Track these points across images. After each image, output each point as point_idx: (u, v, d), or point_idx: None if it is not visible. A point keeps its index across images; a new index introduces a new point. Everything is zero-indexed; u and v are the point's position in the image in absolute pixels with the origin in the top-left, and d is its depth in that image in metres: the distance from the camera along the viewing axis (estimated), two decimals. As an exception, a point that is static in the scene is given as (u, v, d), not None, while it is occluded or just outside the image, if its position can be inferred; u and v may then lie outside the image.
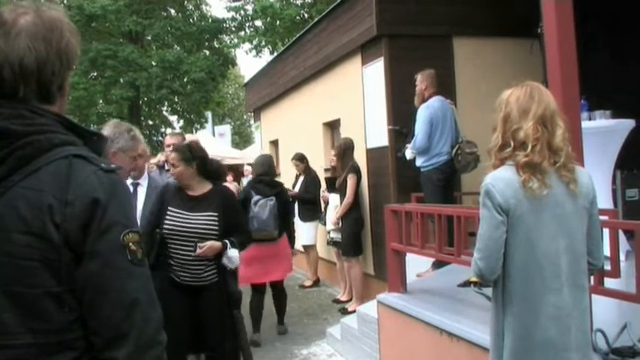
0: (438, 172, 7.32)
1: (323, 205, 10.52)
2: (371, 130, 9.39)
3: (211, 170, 5.27)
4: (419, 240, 5.63)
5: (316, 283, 11.53)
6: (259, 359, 6.99)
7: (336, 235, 9.51)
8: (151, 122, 35.81)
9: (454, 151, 7.33)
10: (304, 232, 10.99)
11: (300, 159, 10.93)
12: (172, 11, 32.69)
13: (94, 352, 1.56)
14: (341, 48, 10.28)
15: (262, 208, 7.68)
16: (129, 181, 4.96)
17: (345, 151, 9.09)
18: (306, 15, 26.25)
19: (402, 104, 8.30)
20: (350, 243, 9.11)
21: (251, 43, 28.25)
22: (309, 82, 12.31)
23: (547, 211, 2.83)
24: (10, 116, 1.58)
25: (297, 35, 13.63)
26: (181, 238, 4.98)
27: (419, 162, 7.46)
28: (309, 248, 11.33)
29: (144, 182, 5.22)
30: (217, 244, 4.97)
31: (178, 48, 31.72)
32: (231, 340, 5.10)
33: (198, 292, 5.04)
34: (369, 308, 6.69)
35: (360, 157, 9.33)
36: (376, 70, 9.08)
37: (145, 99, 32.49)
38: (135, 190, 5.14)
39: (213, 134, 24.87)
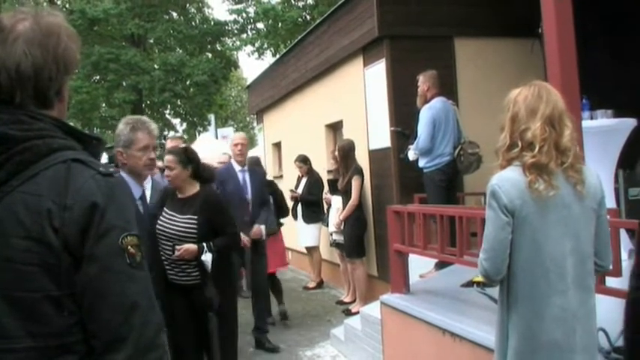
0: (440, 172, 7.33)
1: (326, 207, 10.53)
2: (373, 131, 9.40)
3: (203, 173, 5.36)
4: (421, 241, 5.64)
5: (320, 284, 11.53)
6: (263, 361, 7.02)
7: (338, 237, 9.52)
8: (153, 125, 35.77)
9: (456, 151, 7.34)
10: (307, 233, 11.00)
11: (303, 161, 10.94)
12: (174, 14, 32.67)
13: (94, 356, 1.57)
14: (342, 50, 10.29)
15: None
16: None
17: (347, 152, 9.09)
18: (307, 17, 26.26)
19: (404, 105, 8.31)
20: (353, 244, 9.11)
21: (253, 45, 28.26)
22: (311, 84, 12.33)
23: (553, 212, 2.82)
24: (9, 121, 1.59)
25: (299, 37, 13.64)
26: (164, 239, 5.12)
27: (421, 163, 7.47)
28: (312, 250, 11.33)
29: (147, 185, 5.22)
30: (193, 247, 5.06)
31: (181, 51, 31.69)
32: (206, 341, 5.18)
33: (190, 291, 5.14)
34: (373, 309, 6.69)
35: (362, 159, 9.34)
36: (378, 71, 9.09)
37: (148, 102, 32.46)
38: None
39: (216, 137, 24.87)
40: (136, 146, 4.06)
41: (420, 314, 5.44)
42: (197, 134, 31.32)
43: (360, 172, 9.00)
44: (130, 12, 28.98)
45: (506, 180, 2.87)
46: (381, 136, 9.05)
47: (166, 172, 5.24)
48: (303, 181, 10.97)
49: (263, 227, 7.70)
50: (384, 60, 8.90)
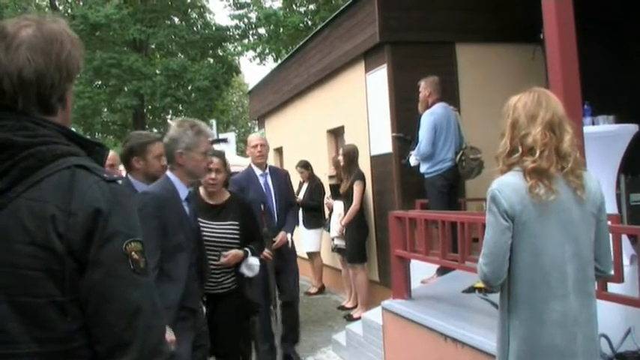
0: (442, 178, 7.32)
1: (327, 212, 10.52)
2: (375, 136, 9.41)
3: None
4: (423, 246, 5.63)
5: (321, 290, 11.53)
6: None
7: (340, 243, 9.51)
8: (155, 130, 35.84)
9: (458, 157, 7.34)
10: (309, 239, 11.00)
11: (305, 166, 10.95)
12: (176, 20, 32.73)
13: None
14: (344, 55, 10.31)
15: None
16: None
17: (352, 158, 9.09)
18: (309, 22, 26.29)
19: (406, 111, 8.32)
20: (355, 250, 9.11)
21: (255, 50, 28.32)
22: (312, 89, 12.34)
23: (553, 217, 2.83)
24: (13, 128, 1.60)
25: (301, 43, 13.66)
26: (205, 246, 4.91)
27: (423, 168, 7.47)
28: (313, 255, 11.33)
29: None
30: (240, 252, 5.02)
31: (182, 56, 31.75)
32: (249, 346, 5.23)
33: (217, 299, 5.03)
34: (374, 315, 6.69)
35: (364, 164, 9.34)
36: (379, 77, 9.10)
37: (150, 107, 32.52)
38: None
39: (218, 142, 24.86)
40: (199, 150, 4.08)
41: (421, 320, 5.43)
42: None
43: (362, 177, 9.00)
44: (131, 17, 29.05)
45: (507, 185, 2.87)
46: (383, 142, 9.06)
47: (212, 175, 5.01)
48: (305, 186, 10.97)
49: (289, 235, 7.08)
50: (385, 66, 8.91)
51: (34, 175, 1.57)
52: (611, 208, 5.82)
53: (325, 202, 10.56)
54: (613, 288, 3.94)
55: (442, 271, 6.91)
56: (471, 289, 5.68)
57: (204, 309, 4.80)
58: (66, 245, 1.53)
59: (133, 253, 1.61)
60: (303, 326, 9.03)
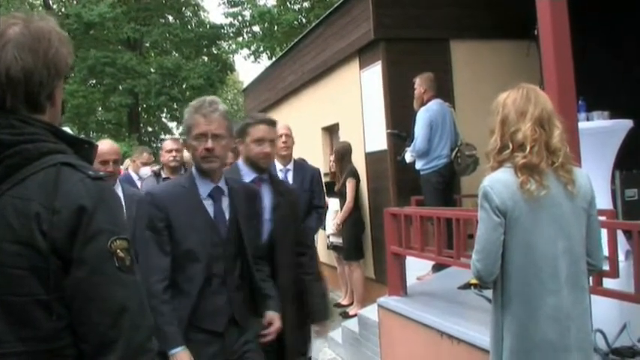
0: (437, 174, 7.33)
1: (323, 210, 10.51)
2: (370, 134, 9.40)
3: None
4: (418, 243, 5.63)
5: (317, 287, 11.49)
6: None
7: (336, 240, 9.51)
8: (150, 129, 35.81)
9: (453, 153, 7.34)
10: (304, 236, 10.96)
11: (299, 164, 10.92)
12: (170, 18, 32.68)
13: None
14: (339, 52, 10.30)
15: None
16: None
17: (343, 155, 9.10)
18: (304, 20, 26.28)
19: (401, 108, 8.32)
20: (351, 247, 9.11)
21: (249, 48, 28.28)
22: (307, 86, 12.32)
23: (545, 212, 2.84)
24: (1, 126, 1.60)
25: (295, 40, 13.65)
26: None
27: (418, 165, 7.47)
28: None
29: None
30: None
31: (177, 54, 31.73)
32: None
33: None
34: (370, 312, 6.69)
35: (359, 161, 9.34)
36: (374, 74, 9.09)
37: (144, 106, 32.46)
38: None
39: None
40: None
41: (417, 317, 5.43)
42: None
43: (354, 174, 9.00)
44: (125, 16, 28.98)
45: (498, 181, 2.88)
46: (378, 139, 9.05)
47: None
48: (300, 184, 10.92)
49: (316, 237, 6.36)
50: (380, 62, 8.90)
51: (19, 172, 1.57)
52: (606, 203, 5.83)
53: (321, 199, 10.54)
54: (608, 283, 3.94)
55: (438, 267, 6.91)
56: (467, 286, 5.69)
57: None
58: (50, 243, 1.52)
59: (118, 250, 1.59)
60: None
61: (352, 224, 9.08)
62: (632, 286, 3.79)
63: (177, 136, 29.53)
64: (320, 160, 11.69)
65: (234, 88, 45.21)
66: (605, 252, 3.63)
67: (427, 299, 5.86)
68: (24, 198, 1.54)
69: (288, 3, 27.29)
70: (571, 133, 3.35)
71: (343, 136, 10.47)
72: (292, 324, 3.80)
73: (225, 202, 3.37)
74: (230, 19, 29.49)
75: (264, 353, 3.44)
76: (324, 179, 10.68)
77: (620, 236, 5.32)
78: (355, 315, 7.75)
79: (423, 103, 7.47)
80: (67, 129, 1.80)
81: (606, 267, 3.86)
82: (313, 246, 5.08)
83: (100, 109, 31.94)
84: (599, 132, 5.94)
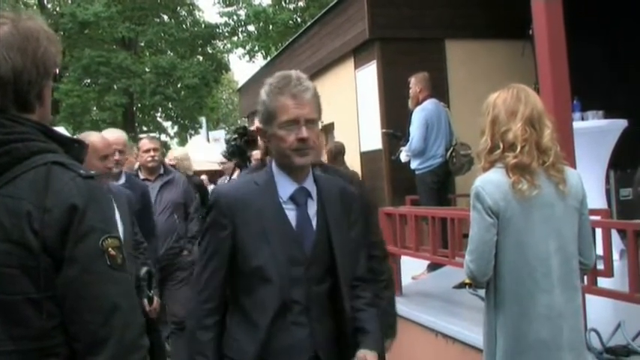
0: (432, 174, 7.32)
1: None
2: (365, 133, 9.41)
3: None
4: (413, 242, 5.63)
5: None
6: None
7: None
8: (145, 128, 35.73)
9: (449, 153, 7.34)
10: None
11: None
12: (165, 17, 32.66)
13: (77, 358, 1.57)
14: (334, 52, 10.31)
15: None
16: None
17: (335, 155, 9.09)
18: (298, 19, 26.30)
19: (396, 107, 8.33)
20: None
21: (244, 48, 28.32)
22: (302, 86, 12.32)
23: (537, 212, 2.84)
24: None
25: (290, 40, 13.65)
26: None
27: (414, 164, 7.47)
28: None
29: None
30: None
31: (172, 54, 31.71)
32: None
33: None
34: (365, 311, 6.67)
35: (354, 161, 9.34)
36: (369, 73, 9.10)
37: (139, 105, 32.45)
38: None
39: (208, 140, 24.83)
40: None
41: (412, 316, 5.43)
42: (188, 137, 31.29)
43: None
44: (120, 15, 28.96)
45: (490, 182, 2.88)
46: (373, 138, 9.06)
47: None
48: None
49: None
50: (375, 62, 8.91)
51: (9, 172, 1.56)
52: (600, 203, 5.85)
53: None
54: (603, 282, 3.95)
55: (433, 267, 6.91)
56: (462, 285, 5.68)
57: None
58: (41, 242, 1.52)
59: (109, 249, 1.59)
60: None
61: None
62: (626, 285, 3.80)
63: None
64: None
65: (229, 88, 45.18)
66: (600, 251, 3.63)
67: (422, 299, 5.86)
68: (15, 197, 1.54)
69: (283, 2, 27.32)
70: (565, 133, 3.36)
71: (338, 135, 10.48)
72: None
73: (312, 207, 2.55)
74: (225, 19, 29.57)
75: None
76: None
77: (615, 236, 5.33)
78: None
79: (418, 103, 7.47)
80: (62, 129, 1.80)
81: (601, 266, 3.87)
82: None
83: (94, 108, 31.86)
84: (594, 132, 5.96)
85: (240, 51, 28.98)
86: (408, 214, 5.82)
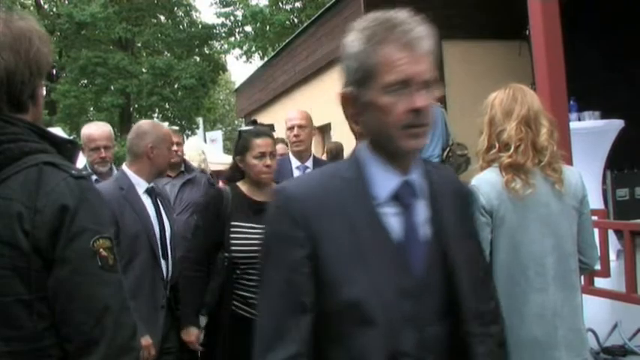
0: (429, 174, 7.32)
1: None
2: (362, 133, 9.40)
3: None
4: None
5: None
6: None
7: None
8: (142, 129, 35.74)
9: (445, 153, 7.34)
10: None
11: (292, 164, 10.92)
12: (162, 18, 32.65)
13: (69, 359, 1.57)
14: (330, 52, 10.30)
15: None
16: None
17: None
18: (295, 20, 26.29)
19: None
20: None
21: (241, 48, 28.30)
22: (299, 86, 12.33)
23: (531, 211, 2.84)
24: None
25: (287, 40, 13.65)
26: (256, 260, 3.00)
27: (410, 165, 7.47)
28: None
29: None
30: None
31: (168, 54, 31.68)
32: None
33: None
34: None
35: (351, 161, 9.33)
36: (366, 74, 9.09)
37: (136, 106, 32.41)
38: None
39: (205, 140, 24.82)
40: None
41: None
42: (185, 138, 31.26)
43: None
44: (117, 16, 28.93)
45: (484, 181, 2.89)
46: (370, 139, 9.05)
47: (274, 160, 3.73)
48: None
49: None
50: (372, 62, 8.90)
51: (1, 172, 1.56)
52: (597, 203, 5.85)
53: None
54: (600, 283, 3.96)
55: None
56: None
57: None
58: (32, 243, 1.52)
59: (101, 249, 1.58)
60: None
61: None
62: (623, 285, 3.81)
63: (175, 127, 29.43)
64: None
65: (226, 88, 45.18)
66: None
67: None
68: (6, 198, 1.53)
69: (280, 3, 27.29)
70: (563, 133, 3.36)
71: (335, 135, 10.48)
72: None
73: (421, 211, 1.69)
74: (222, 19, 29.54)
75: None
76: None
77: (612, 236, 5.34)
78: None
79: (414, 103, 7.47)
80: (59, 129, 1.80)
81: (598, 266, 3.87)
82: None
83: (91, 109, 31.82)
84: (591, 132, 5.96)
85: (237, 52, 29.00)
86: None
